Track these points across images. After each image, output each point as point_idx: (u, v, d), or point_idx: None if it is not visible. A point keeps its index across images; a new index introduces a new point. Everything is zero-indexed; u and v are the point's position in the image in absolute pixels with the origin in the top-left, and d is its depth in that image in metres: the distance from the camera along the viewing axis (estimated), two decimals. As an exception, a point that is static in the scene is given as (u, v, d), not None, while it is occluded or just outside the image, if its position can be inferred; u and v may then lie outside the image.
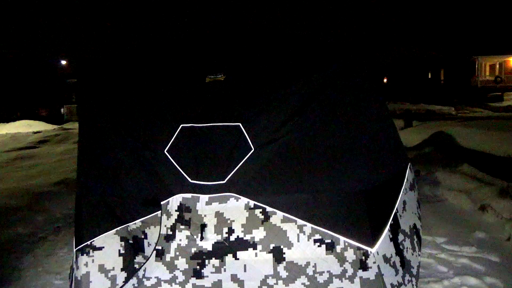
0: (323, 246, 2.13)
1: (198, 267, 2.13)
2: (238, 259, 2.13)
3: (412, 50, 33.05)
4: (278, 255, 2.13)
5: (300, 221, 2.15)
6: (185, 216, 2.19)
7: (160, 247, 2.18)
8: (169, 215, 2.21)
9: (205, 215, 2.17)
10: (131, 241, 2.33)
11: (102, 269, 2.28)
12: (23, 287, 3.25)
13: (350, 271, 2.11)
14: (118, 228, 2.35)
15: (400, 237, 2.40)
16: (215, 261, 2.13)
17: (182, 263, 2.14)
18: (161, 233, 2.21)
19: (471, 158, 6.81)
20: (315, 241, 2.14)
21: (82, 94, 2.70)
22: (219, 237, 2.15)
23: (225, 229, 2.16)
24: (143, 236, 2.33)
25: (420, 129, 10.81)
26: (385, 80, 33.09)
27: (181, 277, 2.13)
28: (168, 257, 2.16)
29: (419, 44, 32.64)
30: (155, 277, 2.14)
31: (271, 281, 2.10)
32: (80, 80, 2.79)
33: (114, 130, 2.47)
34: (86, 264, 2.30)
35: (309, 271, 2.11)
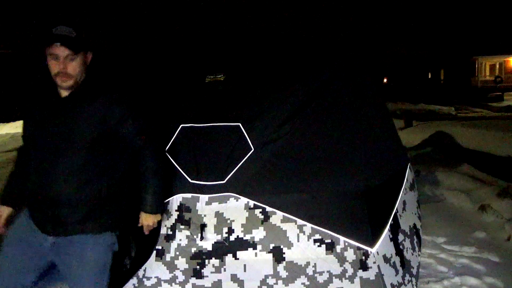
0: (323, 246, 2.13)
1: (198, 267, 2.13)
2: (238, 259, 2.13)
3: (412, 50, 33.05)
4: (278, 255, 2.13)
5: (300, 221, 2.15)
6: (185, 216, 2.19)
7: (160, 247, 2.18)
8: (169, 214, 2.21)
9: (205, 215, 2.17)
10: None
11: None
12: (23, 287, 3.25)
13: (350, 271, 2.11)
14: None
15: (400, 237, 2.40)
16: (215, 261, 2.13)
17: (182, 263, 2.14)
18: (161, 233, 2.21)
19: (471, 158, 6.80)
20: (315, 241, 2.14)
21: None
22: (219, 237, 2.15)
23: (225, 229, 2.16)
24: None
25: (420, 129, 10.79)
26: (385, 80, 33.09)
27: (181, 277, 2.13)
28: (168, 257, 2.16)
29: (419, 44, 32.63)
30: (155, 277, 2.14)
31: (271, 281, 2.10)
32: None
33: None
34: None
35: (309, 271, 2.11)
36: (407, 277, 2.33)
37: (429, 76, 35.73)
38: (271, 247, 2.14)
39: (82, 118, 1.82)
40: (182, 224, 2.18)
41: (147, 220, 1.98)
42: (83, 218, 1.84)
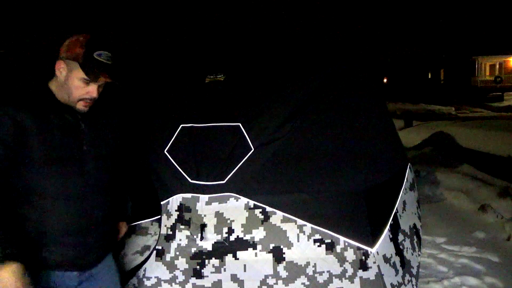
0: (323, 246, 2.13)
1: (198, 267, 2.13)
2: (238, 259, 2.13)
3: (412, 50, 33.06)
4: (278, 255, 2.13)
5: (300, 221, 2.15)
6: (185, 216, 2.19)
7: (160, 247, 2.18)
8: (169, 215, 2.21)
9: (205, 215, 2.17)
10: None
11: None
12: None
13: (350, 271, 2.11)
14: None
15: (400, 237, 2.40)
16: (215, 261, 2.13)
17: (182, 263, 2.14)
18: (161, 233, 2.21)
19: (471, 158, 6.81)
20: (315, 241, 2.14)
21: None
22: (219, 237, 2.15)
23: (225, 229, 2.16)
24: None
25: (420, 129, 10.80)
26: (385, 80, 33.09)
27: (181, 277, 2.13)
28: (168, 257, 2.15)
29: (419, 44, 32.65)
30: (155, 277, 2.14)
31: (271, 281, 2.10)
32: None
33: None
34: None
35: (309, 271, 2.11)
36: (407, 277, 2.33)
37: (429, 76, 35.74)
38: (271, 247, 2.14)
39: (102, 135, 1.73)
40: (182, 224, 2.18)
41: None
42: (109, 239, 1.84)
